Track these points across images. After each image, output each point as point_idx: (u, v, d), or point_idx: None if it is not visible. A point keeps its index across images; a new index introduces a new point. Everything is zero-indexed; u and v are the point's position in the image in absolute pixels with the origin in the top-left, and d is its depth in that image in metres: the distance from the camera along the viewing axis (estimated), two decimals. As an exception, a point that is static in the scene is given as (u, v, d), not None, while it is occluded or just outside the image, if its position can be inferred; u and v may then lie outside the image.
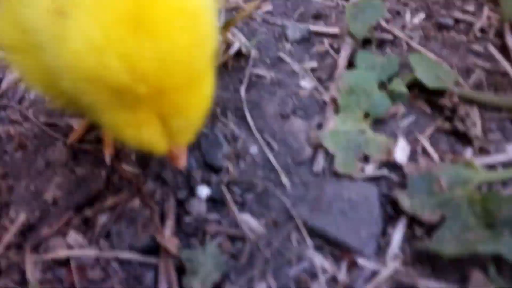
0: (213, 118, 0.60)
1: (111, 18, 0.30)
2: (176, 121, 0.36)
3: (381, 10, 0.61)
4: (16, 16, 0.36)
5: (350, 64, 0.64)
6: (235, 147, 0.56)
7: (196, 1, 0.33)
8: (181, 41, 0.31)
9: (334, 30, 0.71)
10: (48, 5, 0.32)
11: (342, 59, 0.62)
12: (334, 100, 0.58)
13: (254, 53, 0.68)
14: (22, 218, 0.51)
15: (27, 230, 0.51)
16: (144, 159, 0.57)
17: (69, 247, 0.48)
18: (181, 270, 0.45)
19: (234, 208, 0.51)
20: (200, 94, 0.37)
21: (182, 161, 0.40)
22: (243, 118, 0.60)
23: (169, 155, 0.40)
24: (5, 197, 0.55)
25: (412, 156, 0.54)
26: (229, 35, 0.67)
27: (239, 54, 0.68)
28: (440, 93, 0.58)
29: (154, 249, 0.48)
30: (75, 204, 0.52)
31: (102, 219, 0.51)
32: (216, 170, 0.55)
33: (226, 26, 0.61)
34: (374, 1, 0.62)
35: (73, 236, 0.49)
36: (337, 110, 0.58)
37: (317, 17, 0.74)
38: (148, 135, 0.36)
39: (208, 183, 0.54)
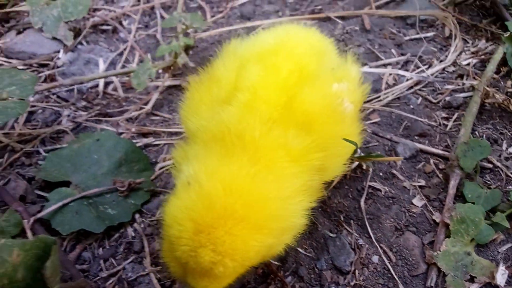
0: (338, 224, 0.81)
1: None
2: None
3: (488, 150, 0.83)
4: None
5: (457, 189, 0.85)
6: (360, 255, 0.77)
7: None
8: None
9: (438, 150, 0.92)
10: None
11: (452, 188, 0.83)
12: (446, 224, 0.79)
13: (369, 165, 0.89)
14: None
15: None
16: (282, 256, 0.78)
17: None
18: None
19: (362, 310, 0.71)
20: None
21: None
22: (364, 227, 0.81)
23: None
24: None
25: (510, 280, 0.74)
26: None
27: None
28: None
29: None
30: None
31: (254, 307, 0.71)
32: (343, 273, 0.76)
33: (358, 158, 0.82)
34: (482, 142, 0.83)
35: (235, 319, 0.69)
36: (448, 233, 0.78)
37: (422, 135, 0.96)
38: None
39: (336, 283, 0.74)
